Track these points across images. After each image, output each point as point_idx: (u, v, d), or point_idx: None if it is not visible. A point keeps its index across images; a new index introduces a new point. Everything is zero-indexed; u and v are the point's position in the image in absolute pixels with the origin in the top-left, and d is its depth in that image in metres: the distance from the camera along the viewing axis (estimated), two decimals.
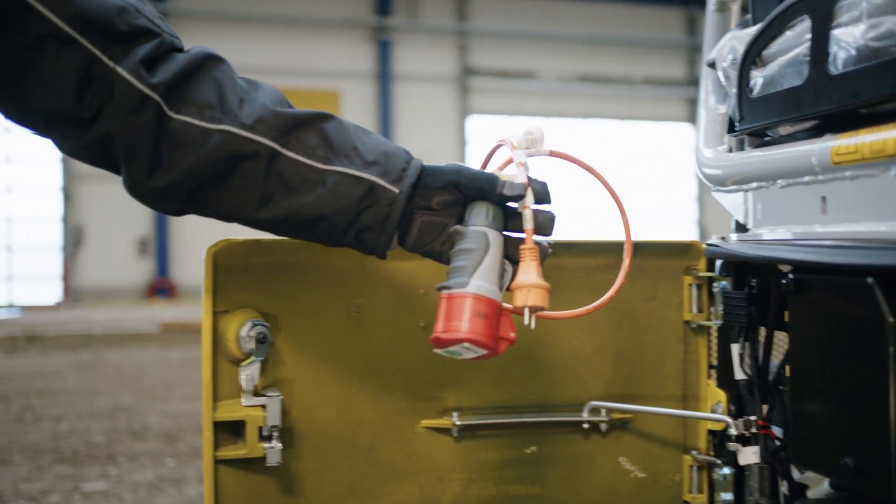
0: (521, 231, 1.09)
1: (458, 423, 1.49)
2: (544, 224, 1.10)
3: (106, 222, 15.26)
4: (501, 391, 1.53)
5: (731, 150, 1.46)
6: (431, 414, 1.49)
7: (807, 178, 1.20)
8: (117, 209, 14.99)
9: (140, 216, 15.40)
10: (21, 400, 6.90)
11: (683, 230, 19.23)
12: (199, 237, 15.55)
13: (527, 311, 1.07)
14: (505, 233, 1.10)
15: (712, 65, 1.54)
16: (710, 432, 1.53)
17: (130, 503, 4.17)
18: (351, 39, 17.01)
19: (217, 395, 1.31)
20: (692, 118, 17.04)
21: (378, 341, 1.45)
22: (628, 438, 1.56)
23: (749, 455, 1.38)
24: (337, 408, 1.43)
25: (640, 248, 1.56)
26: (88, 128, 1.02)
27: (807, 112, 1.20)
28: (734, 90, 1.37)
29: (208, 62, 1.07)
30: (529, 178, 1.09)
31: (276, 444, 1.32)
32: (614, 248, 1.53)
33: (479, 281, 1.04)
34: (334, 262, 1.40)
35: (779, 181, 1.27)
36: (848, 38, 1.12)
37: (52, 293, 15.75)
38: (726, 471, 1.48)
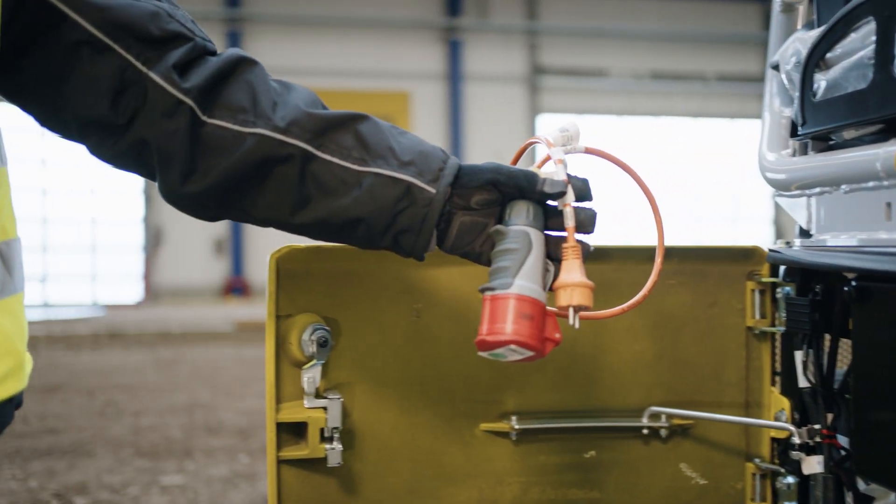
0: (562, 229, 1.06)
1: (517, 426, 1.50)
2: (586, 221, 1.06)
3: (183, 223, 15.64)
4: (561, 395, 1.53)
5: (794, 154, 1.44)
6: (491, 417, 1.50)
7: (871, 184, 1.18)
8: None
9: None
10: (104, 394, 7.15)
11: (758, 230, 18.82)
12: (271, 238, 15.82)
13: (571, 311, 1.04)
14: (546, 231, 1.08)
15: (776, 67, 1.52)
16: (774, 440, 1.51)
17: (205, 497, 4.29)
18: (421, 40, 17.11)
19: (280, 397, 1.34)
20: None
21: (438, 345, 1.47)
22: (689, 445, 1.55)
23: (813, 464, 1.36)
24: (397, 410, 1.45)
25: (702, 254, 1.55)
26: (123, 134, 1.02)
27: (871, 116, 1.17)
28: (797, 93, 1.35)
29: (241, 65, 1.06)
30: (569, 174, 1.06)
31: (337, 446, 1.35)
32: (670, 253, 1.52)
33: (523, 281, 1.02)
34: (395, 268, 1.42)
35: (843, 186, 1.25)
36: None
37: (133, 292, 16.25)
38: (790, 480, 1.45)
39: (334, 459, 1.35)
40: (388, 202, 1.06)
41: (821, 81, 1.30)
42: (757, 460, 1.53)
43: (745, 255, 1.53)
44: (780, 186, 1.42)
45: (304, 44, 16.18)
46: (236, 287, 16.14)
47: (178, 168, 1.03)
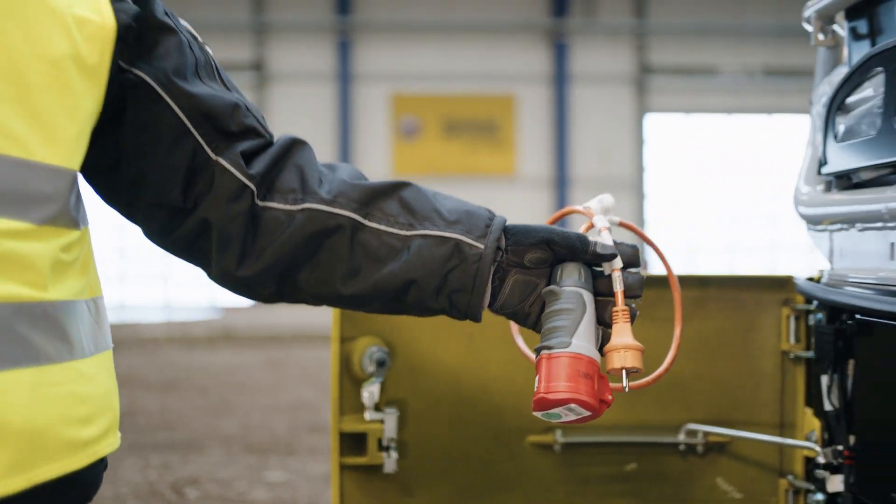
0: (608, 293, 1.07)
1: (562, 440, 1.63)
2: (634, 285, 1.07)
3: None
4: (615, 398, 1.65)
5: (823, 191, 1.52)
6: (537, 431, 1.64)
7: (878, 224, 1.26)
8: None
9: None
10: (217, 393, 7.56)
11: None
12: None
13: (624, 373, 1.05)
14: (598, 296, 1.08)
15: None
16: (806, 458, 1.59)
17: (304, 494, 4.54)
18: (526, 42, 17.17)
19: (343, 410, 1.52)
20: None
21: (488, 366, 1.61)
22: (725, 460, 1.65)
23: (836, 483, 1.44)
24: (450, 424, 1.61)
25: (739, 282, 1.65)
26: (186, 218, 1.05)
27: (877, 162, 1.26)
28: (821, 134, 1.44)
29: (293, 147, 1.10)
30: (616, 241, 1.09)
31: (393, 455, 1.51)
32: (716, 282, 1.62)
33: (580, 341, 1.02)
34: None
35: (857, 224, 1.33)
36: None
37: None
38: (819, 497, 1.53)
39: (390, 467, 1.51)
40: (438, 261, 1.06)
41: (841, 125, 1.39)
42: (790, 477, 1.62)
43: (781, 284, 1.62)
44: (808, 220, 1.50)
45: (410, 49, 16.50)
46: None
47: (235, 251, 1.05)
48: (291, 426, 6.10)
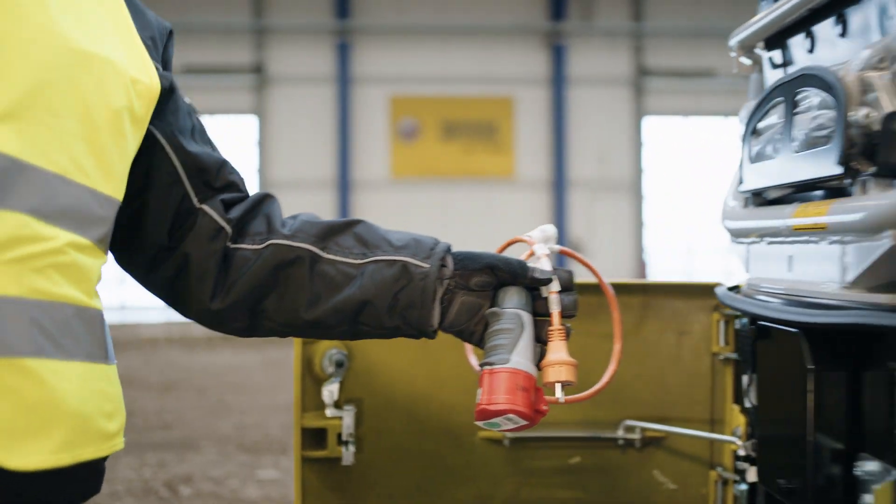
0: (546, 313, 1.18)
1: (510, 435, 1.77)
2: (569, 307, 1.18)
3: None
4: (549, 409, 1.78)
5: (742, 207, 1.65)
6: None
7: (780, 239, 1.40)
8: None
9: None
10: (215, 393, 7.71)
11: None
12: None
13: (558, 386, 1.16)
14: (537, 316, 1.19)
15: None
16: (733, 452, 1.73)
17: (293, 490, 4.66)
18: (524, 45, 17.29)
19: (305, 407, 1.66)
20: None
21: (441, 366, 1.75)
22: (661, 454, 1.78)
23: (753, 474, 1.58)
24: (406, 420, 1.74)
25: (674, 289, 1.78)
26: (170, 255, 1.18)
27: (777, 184, 1.39)
28: (739, 154, 1.58)
29: (264, 200, 1.25)
30: (555, 267, 1.20)
31: (351, 448, 1.65)
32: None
33: (519, 357, 1.13)
34: None
35: (766, 238, 1.47)
36: (801, 125, 1.31)
37: None
38: (743, 486, 1.67)
39: (348, 459, 1.65)
40: (388, 282, 1.18)
41: (754, 147, 1.53)
42: (719, 469, 1.76)
43: (710, 291, 1.76)
44: (731, 232, 1.64)
45: (409, 52, 16.62)
46: None
47: (210, 284, 1.19)
48: (286, 426, 6.24)
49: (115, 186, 1.09)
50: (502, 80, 16.99)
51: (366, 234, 1.22)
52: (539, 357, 1.17)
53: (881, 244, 1.08)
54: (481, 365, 1.15)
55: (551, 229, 1.26)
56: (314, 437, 1.67)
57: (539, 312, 1.19)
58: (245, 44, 15.94)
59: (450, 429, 1.76)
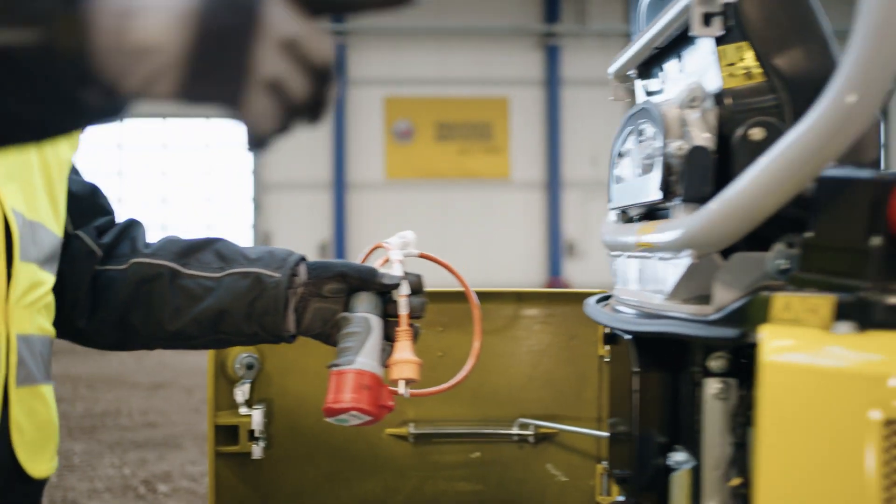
0: (396, 315, 1.27)
1: (414, 431, 1.92)
2: (417, 308, 1.28)
3: (290, 229, 16.50)
4: (452, 407, 1.94)
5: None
6: (394, 424, 1.92)
7: (631, 254, 1.54)
8: (300, 217, 16.25)
9: (320, 223, 16.57)
10: (201, 392, 7.85)
11: None
12: (373, 243, 16.45)
13: (402, 383, 1.25)
14: (387, 317, 1.28)
15: None
16: None
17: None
18: (519, 47, 17.43)
19: (219, 406, 1.81)
20: None
21: None
22: (554, 449, 1.93)
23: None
24: (315, 418, 1.87)
25: (564, 297, 1.93)
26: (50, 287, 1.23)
27: (626, 204, 1.54)
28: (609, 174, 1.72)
29: (131, 226, 1.35)
30: (405, 272, 1.29)
31: (261, 444, 1.80)
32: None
33: (364, 358, 1.22)
34: None
35: (625, 252, 1.61)
36: (641, 152, 1.46)
37: None
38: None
39: (257, 453, 1.80)
40: (243, 291, 1.27)
41: (619, 168, 1.67)
42: (604, 463, 1.90)
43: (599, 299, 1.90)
44: (606, 246, 1.79)
45: (406, 54, 16.75)
46: None
47: (80, 305, 1.28)
48: None
49: (61, 227, 1.24)
50: (497, 82, 17.13)
51: (224, 250, 1.31)
52: (388, 356, 1.26)
53: (684, 262, 1.23)
54: (329, 366, 1.25)
55: (410, 235, 1.35)
56: (228, 434, 1.82)
57: (390, 314, 1.28)
58: None
59: (358, 426, 1.91)
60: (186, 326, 1.28)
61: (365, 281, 1.28)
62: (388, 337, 1.28)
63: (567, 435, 1.92)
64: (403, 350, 1.26)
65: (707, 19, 1.25)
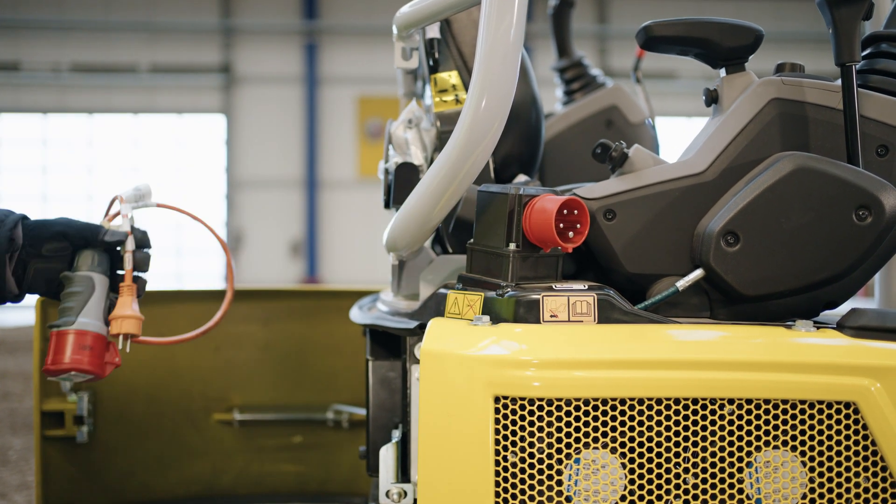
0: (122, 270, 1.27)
1: (239, 417, 2.08)
2: (140, 263, 1.29)
3: (262, 226, 16.59)
4: (275, 394, 2.11)
5: None
6: (221, 410, 2.09)
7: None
8: (272, 214, 16.36)
9: (292, 220, 16.67)
10: (5, 379, 7.83)
11: None
12: (344, 241, 16.61)
13: (121, 338, 1.27)
14: (117, 272, 1.29)
15: None
16: None
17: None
18: None
19: (47, 394, 1.96)
20: None
21: (177, 357, 2.06)
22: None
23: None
24: (145, 405, 2.05)
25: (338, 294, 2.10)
26: None
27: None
28: None
29: None
30: (132, 227, 1.29)
31: (86, 428, 1.95)
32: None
33: (85, 318, 1.22)
34: None
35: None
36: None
37: None
38: None
39: (81, 437, 1.95)
40: None
41: None
42: None
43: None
44: None
45: (376, 53, 16.82)
46: None
47: None
48: None
49: None
50: None
51: None
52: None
53: (390, 262, 1.40)
54: (49, 327, 1.25)
55: (145, 186, 1.35)
56: (55, 419, 1.97)
57: (120, 269, 1.29)
58: (213, 43, 16.10)
59: (187, 412, 2.07)
60: None
61: (87, 239, 1.28)
62: (116, 293, 1.29)
63: None
64: (124, 306, 1.27)
65: (408, 53, 1.42)
